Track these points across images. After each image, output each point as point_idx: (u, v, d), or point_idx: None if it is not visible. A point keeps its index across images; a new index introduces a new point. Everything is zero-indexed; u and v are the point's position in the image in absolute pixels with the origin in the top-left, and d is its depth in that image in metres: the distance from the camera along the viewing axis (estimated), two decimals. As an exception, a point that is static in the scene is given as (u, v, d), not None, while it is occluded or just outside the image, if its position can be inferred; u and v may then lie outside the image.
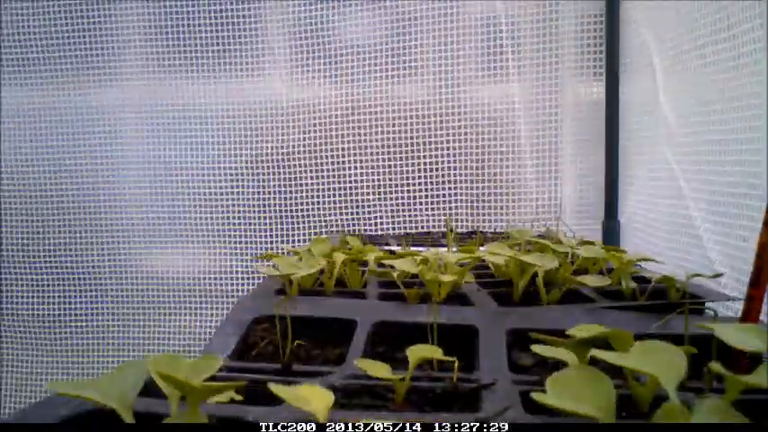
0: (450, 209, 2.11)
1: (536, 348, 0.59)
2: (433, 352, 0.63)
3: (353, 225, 2.13)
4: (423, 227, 2.11)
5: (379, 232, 2.12)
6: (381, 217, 2.13)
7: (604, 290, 0.98)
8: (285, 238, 2.14)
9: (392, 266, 0.97)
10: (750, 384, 0.46)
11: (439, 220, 2.12)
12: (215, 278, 2.18)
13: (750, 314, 0.72)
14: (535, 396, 0.43)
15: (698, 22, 1.45)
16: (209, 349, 0.80)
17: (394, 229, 2.12)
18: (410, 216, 2.13)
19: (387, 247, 1.44)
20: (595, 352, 0.49)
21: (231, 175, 2.15)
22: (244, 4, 2.11)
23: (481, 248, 1.06)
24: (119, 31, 2.15)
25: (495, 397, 0.60)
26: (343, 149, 2.13)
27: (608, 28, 2.01)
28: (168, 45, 2.14)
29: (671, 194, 1.62)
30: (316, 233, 2.12)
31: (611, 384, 0.45)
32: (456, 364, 0.66)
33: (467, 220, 2.11)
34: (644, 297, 0.93)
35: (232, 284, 2.18)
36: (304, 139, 2.13)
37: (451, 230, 1.90)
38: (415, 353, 0.62)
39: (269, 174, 2.14)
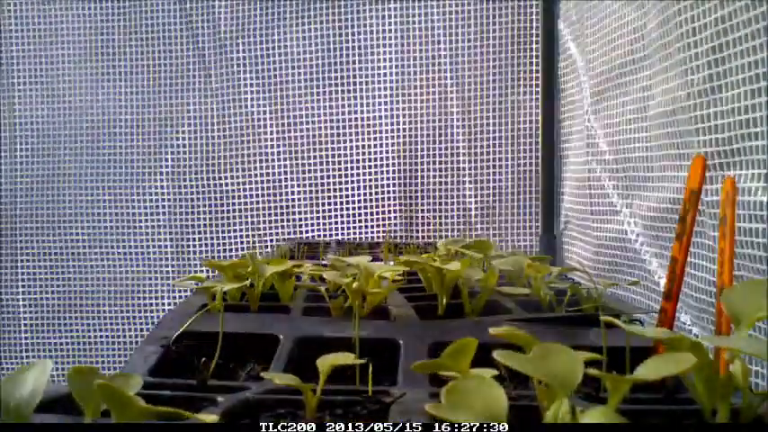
0: (388, 221, 2.12)
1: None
2: (345, 359, 0.64)
3: (287, 236, 2.12)
4: (359, 238, 2.12)
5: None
6: (316, 229, 2.12)
7: (525, 301, 1.01)
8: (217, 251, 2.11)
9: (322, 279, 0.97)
10: (633, 379, 0.48)
11: (376, 232, 2.13)
12: (137, 292, 2.12)
13: (663, 326, 0.76)
14: (428, 408, 0.44)
15: (622, 37, 1.51)
16: (130, 365, 0.79)
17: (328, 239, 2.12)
18: (346, 227, 2.13)
19: (323, 261, 1.45)
20: (497, 354, 0.51)
21: (152, 185, 2.10)
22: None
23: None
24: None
25: (404, 409, 0.61)
26: (277, 160, 2.11)
27: (543, 43, 2.06)
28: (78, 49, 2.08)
29: (602, 209, 1.68)
30: (250, 246, 2.10)
31: (503, 392, 0.47)
32: (370, 377, 0.66)
33: (404, 233, 2.13)
34: (560, 307, 0.96)
35: (156, 299, 2.12)
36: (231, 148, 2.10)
37: (397, 245, 1.91)
38: (327, 362, 0.63)
39: (192, 185, 2.10)
